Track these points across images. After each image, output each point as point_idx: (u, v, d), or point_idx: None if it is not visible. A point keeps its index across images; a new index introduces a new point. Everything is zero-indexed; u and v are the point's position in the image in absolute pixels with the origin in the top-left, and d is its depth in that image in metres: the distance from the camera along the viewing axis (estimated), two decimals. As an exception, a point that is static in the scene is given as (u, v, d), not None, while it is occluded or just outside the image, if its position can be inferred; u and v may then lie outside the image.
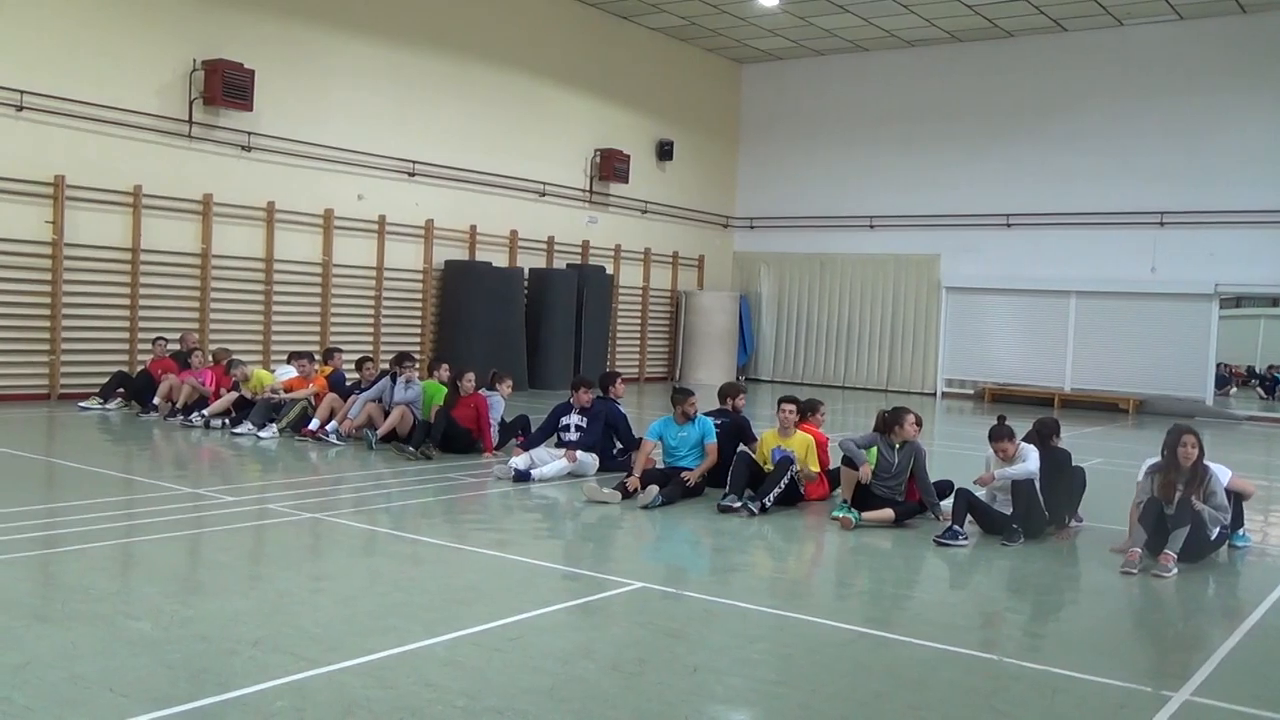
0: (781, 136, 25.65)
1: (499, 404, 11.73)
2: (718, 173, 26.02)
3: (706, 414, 9.97)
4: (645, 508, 8.78)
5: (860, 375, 24.67)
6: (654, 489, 8.91)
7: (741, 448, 9.55)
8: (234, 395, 12.88)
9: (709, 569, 7.45)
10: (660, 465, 9.68)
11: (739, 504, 8.75)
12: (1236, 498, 8.10)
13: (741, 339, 25.20)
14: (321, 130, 17.36)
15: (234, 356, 13.84)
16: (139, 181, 15.20)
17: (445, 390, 11.76)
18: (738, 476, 8.94)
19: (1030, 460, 8.24)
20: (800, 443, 9.14)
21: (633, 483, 9.12)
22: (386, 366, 12.56)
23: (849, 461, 8.66)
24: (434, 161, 19.10)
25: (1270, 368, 28.62)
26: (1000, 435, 8.36)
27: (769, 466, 9.08)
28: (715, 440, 9.61)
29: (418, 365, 12.75)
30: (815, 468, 9.20)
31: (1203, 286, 20.73)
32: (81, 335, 14.89)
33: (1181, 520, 7.34)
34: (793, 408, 9.24)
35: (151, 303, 15.47)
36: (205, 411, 12.70)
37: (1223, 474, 7.81)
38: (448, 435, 11.15)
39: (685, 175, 24.83)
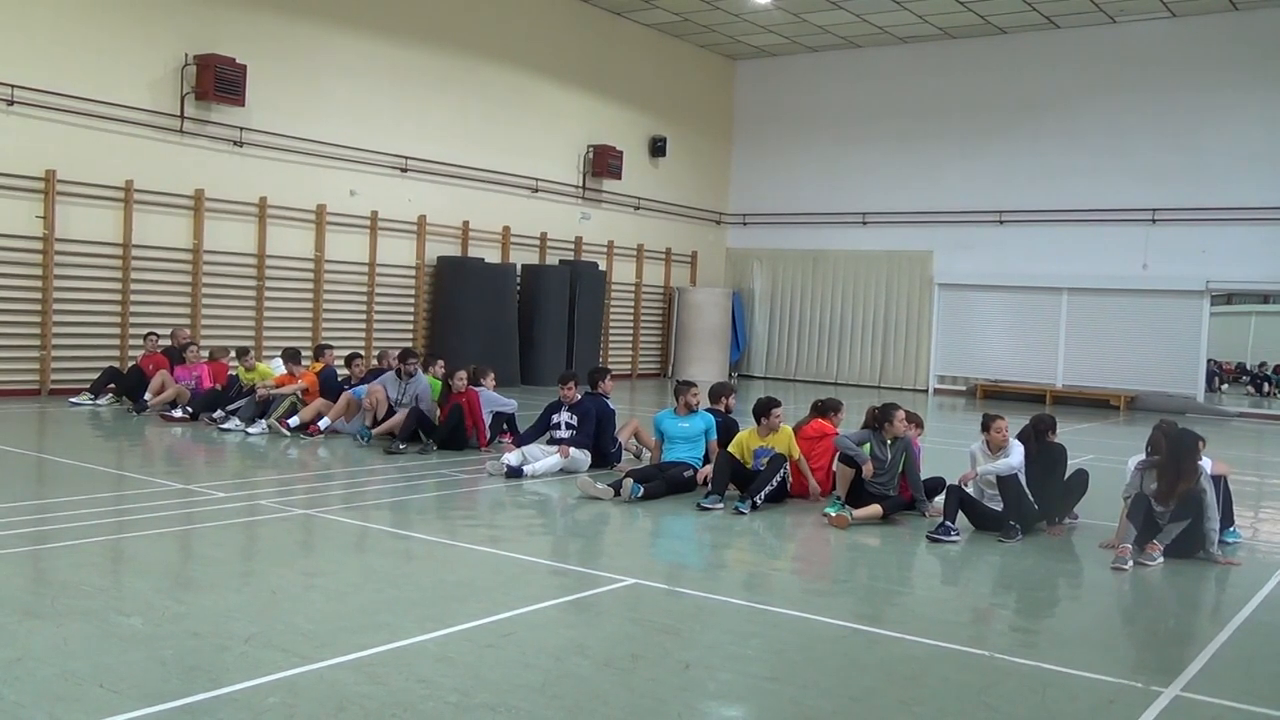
0: (775, 133, 25.64)
1: (491, 397, 11.76)
2: (711, 169, 26.01)
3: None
4: (616, 493, 8.88)
5: (853, 372, 24.70)
6: (629, 481, 8.95)
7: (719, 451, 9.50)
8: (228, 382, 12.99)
9: (701, 565, 7.46)
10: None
11: (720, 504, 8.76)
12: (1226, 493, 8.15)
13: (734, 335, 25.20)
14: (314, 126, 17.32)
15: (250, 349, 14.00)
16: (130, 176, 15.15)
17: (441, 385, 11.81)
18: (719, 476, 8.95)
19: (1014, 455, 8.27)
20: (784, 439, 9.15)
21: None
22: (377, 364, 12.56)
23: (847, 459, 8.68)
24: (427, 157, 19.06)
25: (1261, 365, 28.68)
26: (989, 418, 8.42)
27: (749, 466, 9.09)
28: (716, 437, 9.71)
29: (418, 361, 12.78)
30: (797, 455, 9.21)
31: (1194, 283, 20.79)
32: (72, 330, 14.84)
33: (1176, 517, 7.39)
34: (780, 410, 9.24)
35: (143, 298, 15.42)
36: (222, 410, 12.70)
37: (1205, 465, 7.85)
38: (445, 431, 11.17)
39: (678, 171, 24.81)
